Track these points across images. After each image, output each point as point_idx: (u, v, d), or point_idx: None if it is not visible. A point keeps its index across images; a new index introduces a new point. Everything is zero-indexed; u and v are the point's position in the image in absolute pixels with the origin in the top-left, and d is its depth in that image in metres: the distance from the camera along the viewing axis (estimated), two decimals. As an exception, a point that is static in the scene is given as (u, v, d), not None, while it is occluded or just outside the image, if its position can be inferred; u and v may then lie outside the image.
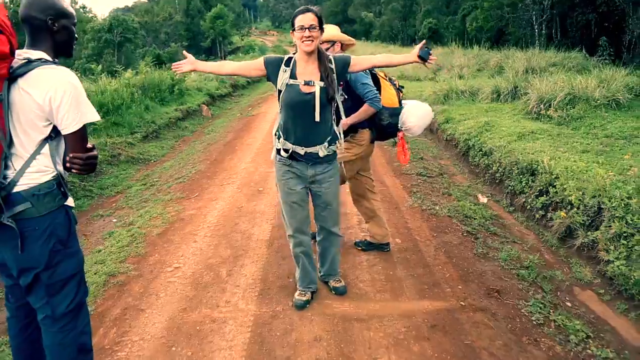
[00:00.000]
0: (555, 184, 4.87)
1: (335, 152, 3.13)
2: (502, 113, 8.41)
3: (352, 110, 3.66)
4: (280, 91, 2.95)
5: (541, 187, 5.06)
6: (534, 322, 3.16)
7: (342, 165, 3.77)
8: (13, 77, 1.92)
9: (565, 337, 3.02)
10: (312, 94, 2.88)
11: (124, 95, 10.63)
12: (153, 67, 15.62)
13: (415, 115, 3.80)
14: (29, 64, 1.97)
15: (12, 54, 1.90)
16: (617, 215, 3.98)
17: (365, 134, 3.85)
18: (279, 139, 3.08)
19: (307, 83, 2.89)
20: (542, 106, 7.79)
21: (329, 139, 3.04)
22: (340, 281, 3.52)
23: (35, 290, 2.13)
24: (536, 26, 21.20)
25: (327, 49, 3.68)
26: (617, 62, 12.08)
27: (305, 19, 2.82)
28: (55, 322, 2.17)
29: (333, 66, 2.96)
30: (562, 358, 2.83)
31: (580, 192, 4.48)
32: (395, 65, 3.14)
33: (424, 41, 3.01)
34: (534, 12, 21.18)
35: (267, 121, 11.14)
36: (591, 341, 3.00)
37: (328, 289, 3.53)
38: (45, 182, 2.06)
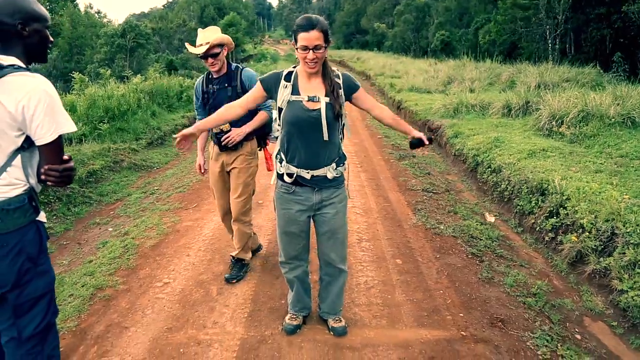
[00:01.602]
0: (566, 205, 4.66)
1: (342, 174, 2.81)
2: (513, 129, 8.20)
3: (244, 119, 3.61)
4: (281, 109, 2.63)
5: (551, 208, 4.85)
6: (540, 357, 2.94)
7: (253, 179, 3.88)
8: None
9: (574, 374, 2.81)
10: (318, 110, 2.56)
11: (131, 101, 10.57)
12: (163, 73, 15.61)
13: None
14: (0, 70, 1.83)
15: None
16: (632, 241, 3.77)
17: (255, 143, 3.89)
18: (280, 162, 2.75)
19: (311, 99, 2.56)
20: (554, 123, 7.58)
21: (336, 159, 2.73)
22: (341, 321, 3.15)
23: (1, 311, 1.97)
24: (550, 41, 20.95)
25: (218, 54, 3.56)
26: (632, 78, 11.82)
27: (310, 39, 2.42)
28: (21, 345, 2.02)
29: (340, 82, 2.65)
30: (570, 398, 2.62)
31: (593, 215, 4.26)
32: (388, 125, 2.85)
33: (429, 138, 2.72)
34: (547, 27, 20.95)
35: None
36: (602, 380, 2.78)
37: (325, 326, 3.19)
38: (16, 196, 1.92)
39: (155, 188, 6.97)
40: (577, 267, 4.19)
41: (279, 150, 2.78)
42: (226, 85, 3.66)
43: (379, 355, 2.92)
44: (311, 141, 2.61)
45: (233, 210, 3.86)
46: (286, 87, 2.60)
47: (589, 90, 9.12)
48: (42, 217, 2.07)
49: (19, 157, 1.91)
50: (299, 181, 2.71)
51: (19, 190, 1.93)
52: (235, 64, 3.77)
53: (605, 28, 18.43)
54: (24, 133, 1.88)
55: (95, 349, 3.03)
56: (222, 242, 4.63)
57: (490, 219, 5.44)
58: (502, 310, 3.45)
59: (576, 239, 4.26)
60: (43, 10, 2.04)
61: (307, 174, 2.67)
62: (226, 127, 3.64)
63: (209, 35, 3.52)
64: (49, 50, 2.12)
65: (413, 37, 42.37)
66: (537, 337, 3.13)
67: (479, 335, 3.15)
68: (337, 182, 2.78)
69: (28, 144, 1.91)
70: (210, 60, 3.55)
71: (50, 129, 1.87)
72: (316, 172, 2.68)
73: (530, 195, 5.33)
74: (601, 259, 3.97)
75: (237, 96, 3.57)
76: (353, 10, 63.73)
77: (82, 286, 3.83)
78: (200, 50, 3.48)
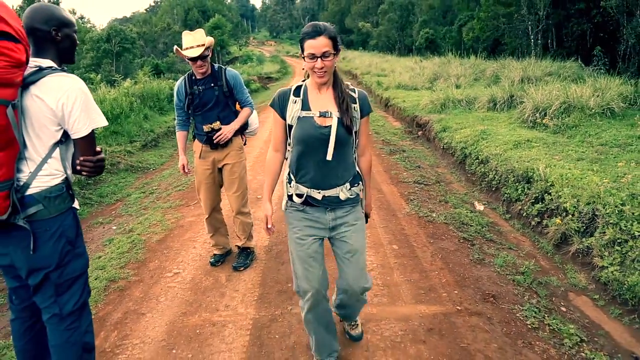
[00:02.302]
0: (550, 191, 4.94)
1: (358, 194, 2.57)
2: (498, 122, 8.51)
3: (231, 117, 3.91)
4: (290, 126, 2.43)
5: (537, 195, 5.13)
6: (529, 326, 3.21)
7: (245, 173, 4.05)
8: (25, 84, 1.99)
9: (560, 340, 3.07)
10: (330, 127, 2.36)
11: (123, 105, 10.74)
12: (151, 77, 15.76)
13: (256, 118, 4.17)
14: (40, 72, 2.05)
15: (27, 62, 1.97)
16: (611, 221, 4.05)
17: (240, 139, 4.10)
18: (289, 182, 2.53)
19: (322, 114, 2.37)
20: (537, 115, 7.90)
21: (350, 179, 2.51)
22: (357, 327, 3.03)
23: (44, 290, 2.18)
24: (532, 36, 21.39)
25: (207, 56, 3.70)
26: (612, 72, 12.20)
27: (317, 46, 2.23)
28: (62, 321, 2.23)
29: (356, 96, 2.46)
30: (557, 361, 2.88)
31: (575, 199, 4.55)
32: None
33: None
34: (529, 23, 21.39)
35: (265, 129, 11.20)
36: (585, 345, 3.05)
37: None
38: (56, 185, 2.14)
39: (154, 188, 7.16)
40: (561, 247, 4.47)
41: (288, 171, 2.56)
42: (212, 85, 3.81)
43: (382, 328, 3.16)
44: (322, 160, 2.40)
45: (233, 205, 4.06)
46: (295, 102, 2.42)
47: (571, 83, 9.47)
48: (76, 204, 2.29)
49: (57, 149, 2.13)
50: (309, 201, 2.50)
51: (58, 180, 2.14)
52: (218, 65, 3.93)
53: (586, 23, 18.89)
54: (62, 128, 2.10)
55: (116, 334, 3.24)
56: (226, 235, 4.85)
57: (480, 207, 5.71)
58: (493, 287, 3.72)
59: (560, 222, 4.54)
60: (70, 16, 2.27)
61: (318, 194, 2.46)
62: (217, 125, 3.81)
63: (199, 38, 3.65)
64: (75, 52, 2.34)
65: (398, 36, 42.80)
66: (526, 310, 3.40)
67: (472, 309, 3.40)
68: (352, 201, 2.55)
69: (65, 137, 2.13)
70: (199, 62, 3.68)
71: (85, 124, 2.10)
72: (328, 193, 2.46)
73: (517, 184, 5.61)
74: (584, 239, 4.25)
75: (224, 95, 3.81)
76: (337, 10, 64.09)
77: (95, 279, 4.02)
78: (195, 52, 3.61)
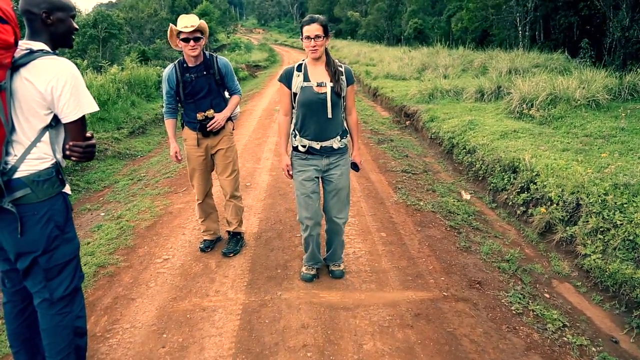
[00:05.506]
0: (536, 181, 5.02)
1: (347, 145, 3.44)
2: (486, 112, 8.58)
3: (222, 105, 3.96)
4: (295, 94, 3.28)
5: (522, 184, 5.21)
6: (514, 312, 3.29)
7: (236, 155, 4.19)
8: (15, 66, 1.98)
9: (543, 325, 3.15)
10: (325, 93, 3.22)
11: (110, 91, 10.64)
12: (139, 63, 15.60)
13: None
14: (31, 54, 2.03)
15: (16, 44, 1.96)
16: (594, 210, 4.14)
17: (231, 123, 4.16)
18: (294, 136, 3.38)
19: (319, 84, 3.23)
20: (524, 106, 7.99)
21: (340, 132, 3.37)
22: (339, 266, 3.76)
23: (33, 274, 2.19)
24: (520, 28, 21.47)
25: (200, 38, 3.67)
26: (598, 64, 12.31)
27: (311, 30, 3.12)
28: (52, 306, 2.24)
29: (342, 70, 3.29)
30: (539, 345, 2.95)
31: (560, 189, 4.63)
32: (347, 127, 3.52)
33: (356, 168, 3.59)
34: (517, 14, 21.45)
35: (254, 118, 11.17)
36: (567, 330, 3.14)
37: (320, 290, 3.54)
38: (45, 169, 2.13)
39: (142, 175, 7.12)
40: (546, 236, 4.56)
41: (294, 127, 3.40)
42: (205, 72, 3.81)
43: (370, 313, 3.22)
44: (320, 118, 3.26)
45: (227, 189, 4.09)
46: (298, 76, 3.28)
47: (557, 75, 9.55)
48: (67, 189, 2.29)
49: (47, 133, 2.12)
50: (310, 151, 3.35)
51: (47, 164, 2.14)
52: (210, 53, 3.93)
53: (573, 15, 18.98)
54: (52, 112, 2.09)
55: (106, 318, 3.25)
56: (215, 222, 4.86)
57: (466, 196, 5.79)
58: (479, 274, 3.79)
59: (545, 211, 4.62)
60: (67, 0, 2.23)
61: (317, 145, 3.33)
62: (210, 113, 3.85)
63: (194, 20, 3.68)
64: (73, 37, 2.31)
65: (386, 25, 42.64)
66: (510, 296, 3.48)
67: (459, 295, 3.47)
68: (342, 150, 3.42)
69: (55, 121, 2.13)
70: (192, 43, 3.65)
71: (75, 108, 2.09)
72: (324, 143, 3.33)
73: (503, 173, 5.69)
74: (567, 227, 4.34)
75: (216, 82, 3.83)
76: (326, -2, 63.53)
77: (84, 265, 4.02)
78: (190, 27, 3.59)
